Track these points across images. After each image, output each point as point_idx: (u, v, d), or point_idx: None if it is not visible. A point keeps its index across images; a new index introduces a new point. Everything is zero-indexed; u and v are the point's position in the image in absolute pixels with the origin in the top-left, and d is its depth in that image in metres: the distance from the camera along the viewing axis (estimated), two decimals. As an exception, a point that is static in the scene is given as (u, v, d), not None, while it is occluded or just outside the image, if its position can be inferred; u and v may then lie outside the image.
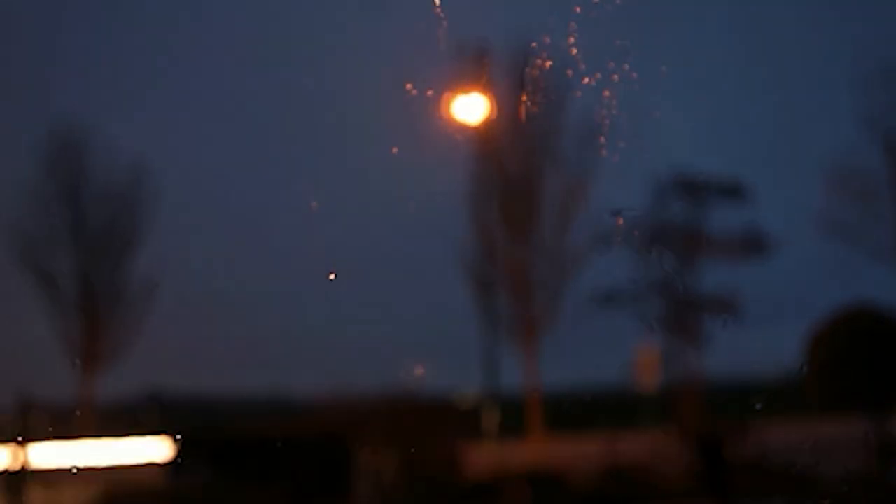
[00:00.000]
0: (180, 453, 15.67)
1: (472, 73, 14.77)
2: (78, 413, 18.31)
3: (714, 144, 18.90)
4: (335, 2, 17.84)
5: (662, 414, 20.61)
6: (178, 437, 15.65)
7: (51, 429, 14.68)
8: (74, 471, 13.73)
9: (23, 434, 14.09)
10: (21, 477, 13.19)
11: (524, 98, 19.65)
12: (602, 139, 19.82)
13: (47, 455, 13.42)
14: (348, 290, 18.96)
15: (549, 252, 20.73)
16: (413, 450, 15.79)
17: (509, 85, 17.74)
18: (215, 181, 20.13)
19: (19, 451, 13.53)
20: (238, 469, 15.46)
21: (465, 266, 20.54)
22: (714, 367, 21.08)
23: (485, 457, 17.10)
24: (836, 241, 19.92)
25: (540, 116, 19.82)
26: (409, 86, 11.24)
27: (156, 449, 15.26)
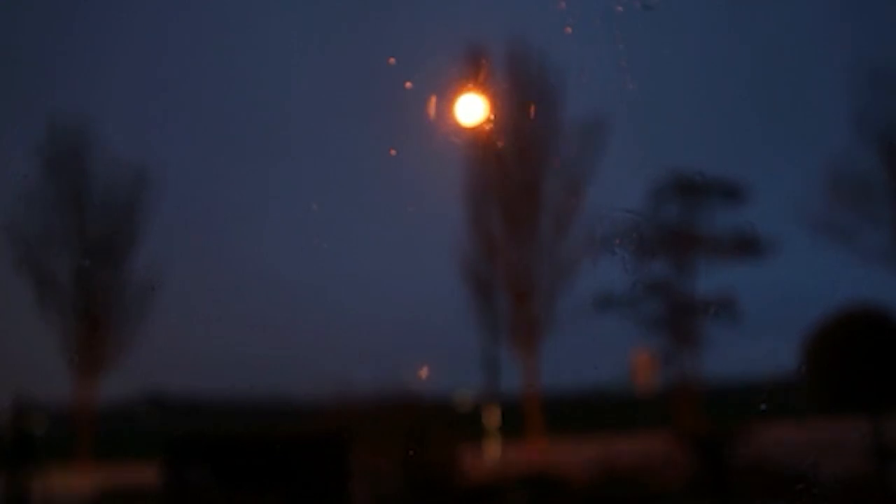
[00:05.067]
0: (178, 454, 15.65)
1: (471, 74, 14.79)
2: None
3: (712, 147, 18.92)
4: (334, 3, 17.87)
5: (661, 416, 20.61)
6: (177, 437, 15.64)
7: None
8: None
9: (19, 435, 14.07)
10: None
11: (523, 99, 19.69)
12: (600, 140, 19.90)
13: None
14: (348, 290, 18.98)
15: (548, 253, 20.76)
16: (412, 451, 15.76)
17: (508, 85, 17.76)
18: (214, 183, 20.14)
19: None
20: (236, 469, 15.44)
21: (464, 267, 20.57)
22: (712, 369, 21.10)
23: (484, 458, 17.09)
24: (833, 242, 19.97)
25: (538, 117, 19.85)
26: (408, 86, 11.26)
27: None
